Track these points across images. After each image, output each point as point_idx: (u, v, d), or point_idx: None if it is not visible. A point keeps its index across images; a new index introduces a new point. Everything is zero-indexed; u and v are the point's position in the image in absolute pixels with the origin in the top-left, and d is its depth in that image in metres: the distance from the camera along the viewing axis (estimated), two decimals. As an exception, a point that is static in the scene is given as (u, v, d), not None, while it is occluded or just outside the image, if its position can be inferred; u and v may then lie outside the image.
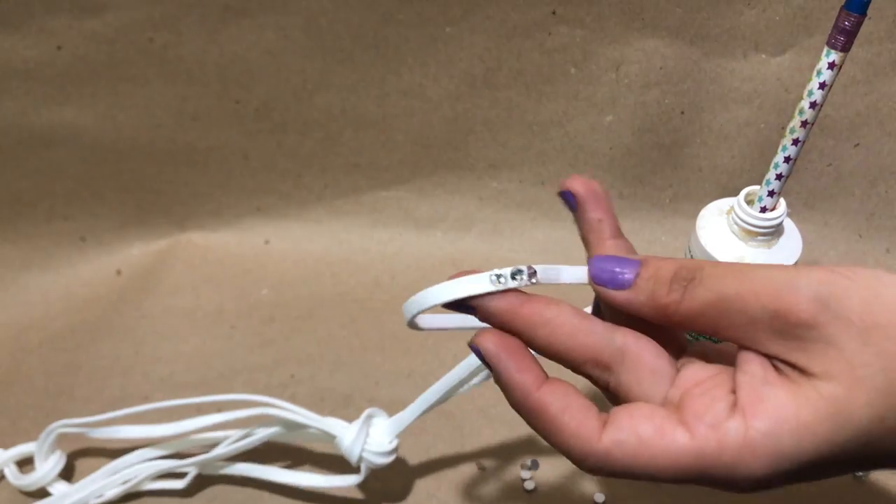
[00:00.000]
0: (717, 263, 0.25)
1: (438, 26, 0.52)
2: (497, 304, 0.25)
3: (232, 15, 0.51)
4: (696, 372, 0.26)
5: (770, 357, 0.23)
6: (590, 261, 0.27)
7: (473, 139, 0.58)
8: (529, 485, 0.48)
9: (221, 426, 0.47)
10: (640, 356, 0.25)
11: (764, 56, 0.53)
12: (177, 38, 0.52)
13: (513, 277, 0.26)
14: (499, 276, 0.26)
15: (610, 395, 0.27)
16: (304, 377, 0.54)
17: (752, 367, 0.24)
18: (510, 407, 0.26)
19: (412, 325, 0.29)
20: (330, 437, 0.44)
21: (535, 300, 0.25)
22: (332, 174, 0.60)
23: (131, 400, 0.52)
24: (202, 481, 0.48)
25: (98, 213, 0.59)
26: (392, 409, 0.51)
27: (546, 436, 0.25)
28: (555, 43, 0.53)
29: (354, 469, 0.45)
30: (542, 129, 0.57)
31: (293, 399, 0.52)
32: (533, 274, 0.26)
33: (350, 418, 0.49)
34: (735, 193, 0.43)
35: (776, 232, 0.42)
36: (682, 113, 0.56)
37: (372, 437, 0.43)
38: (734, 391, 0.24)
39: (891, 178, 0.58)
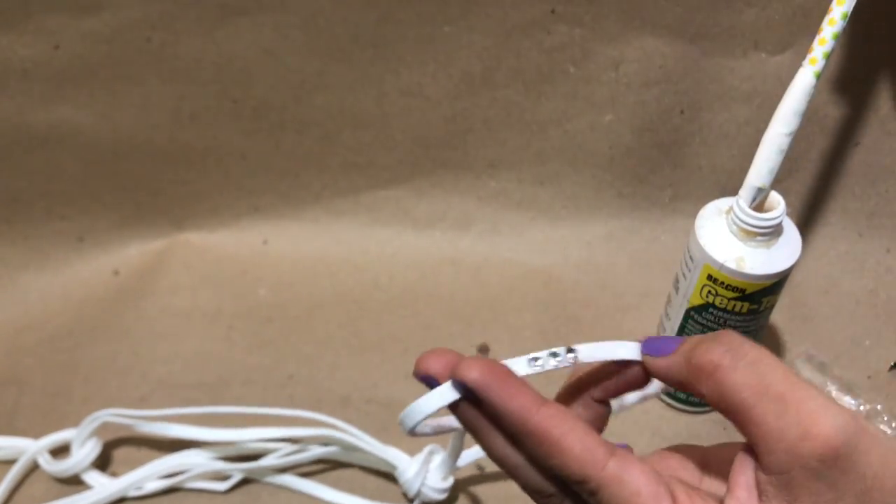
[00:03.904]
0: (766, 353, 0.24)
1: (437, 25, 0.52)
2: (515, 404, 0.24)
3: (230, 14, 0.51)
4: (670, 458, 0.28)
5: (769, 473, 0.23)
6: (643, 341, 0.27)
7: (472, 138, 0.58)
8: (528, 485, 0.48)
9: (277, 439, 0.47)
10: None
11: (764, 55, 0.53)
12: (174, 38, 0.52)
13: (552, 357, 0.25)
14: (535, 359, 0.25)
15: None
16: (302, 378, 0.53)
17: (740, 493, 0.24)
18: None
19: (413, 433, 0.27)
20: (390, 467, 0.46)
21: (551, 405, 0.24)
22: (331, 174, 0.59)
23: (129, 401, 0.52)
24: (241, 483, 0.48)
25: (95, 213, 0.59)
26: (391, 409, 0.51)
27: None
28: (554, 42, 0.53)
29: (403, 496, 0.47)
30: (541, 129, 0.57)
31: (291, 399, 0.52)
32: (572, 352, 0.25)
33: (349, 419, 0.49)
34: (735, 193, 0.43)
35: (775, 232, 0.42)
36: (682, 112, 0.55)
37: (430, 473, 0.45)
38: None
39: (891, 177, 0.58)
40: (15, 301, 0.58)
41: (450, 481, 0.45)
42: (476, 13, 0.51)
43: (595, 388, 0.28)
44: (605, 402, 0.28)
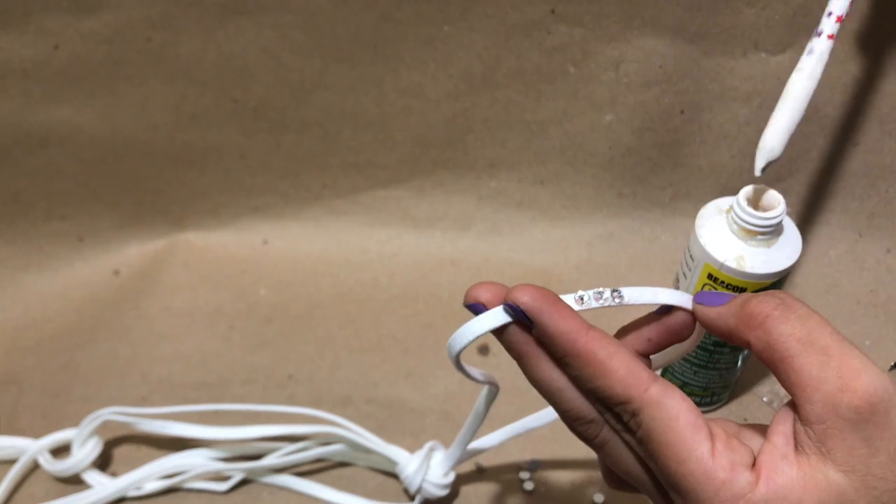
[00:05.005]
0: (816, 312, 0.25)
1: (437, 25, 0.52)
2: (565, 325, 0.25)
3: (230, 14, 0.51)
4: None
5: (807, 423, 0.24)
6: (696, 293, 0.28)
7: (472, 138, 0.58)
8: (528, 485, 0.48)
9: (279, 438, 0.48)
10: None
11: (764, 55, 0.53)
12: (174, 38, 0.52)
13: (598, 295, 0.27)
14: (581, 298, 0.27)
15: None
16: (302, 377, 0.53)
17: (777, 440, 0.25)
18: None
19: (458, 361, 0.29)
20: (391, 464, 0.46)
21: (598, 330, 0.26)
22: (331, 173, 0.59)
23: (129, 400, 0.52)
24: (241, 483, 0.48)
25: (96, 213, 0.59)
26: (391, 409, 0.51)
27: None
28: (554, 42, 0.53)
29: (403, 495, 0.47)
30: (541, 129, 0.57)
31: (291, 399, 0.52)
32: (617, 292, 0.27)
33: (349, 418, 0.49)
34: (735, 192, 0.43)
35: (776, 231, 0.42)
36: (682, 112, 0.55)
37: (431, 469, 0.45)
38: (756, 456, 0.25)
39: (891, 177, 0.58)
40: (15, 301, 0.58)
41: (451, 477, 0.45)
42: (476, 13, 0.51)
43: (638, 337, 0.29)
44: (646, 357, 0.29)
